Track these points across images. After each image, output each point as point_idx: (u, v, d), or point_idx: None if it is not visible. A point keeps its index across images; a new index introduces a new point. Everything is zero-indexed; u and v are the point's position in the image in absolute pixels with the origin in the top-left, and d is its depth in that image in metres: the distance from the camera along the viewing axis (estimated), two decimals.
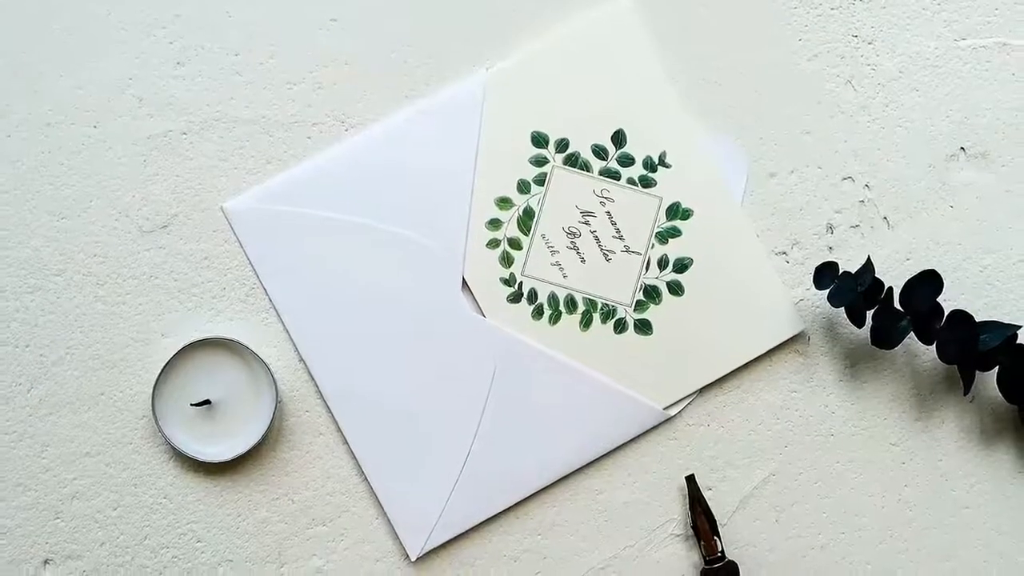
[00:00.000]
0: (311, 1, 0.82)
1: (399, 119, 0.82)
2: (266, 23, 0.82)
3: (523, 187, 0.82)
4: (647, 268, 0.82)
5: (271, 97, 0.82)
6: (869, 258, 0.81)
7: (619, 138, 0.82)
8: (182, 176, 0.82)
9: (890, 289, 0.80)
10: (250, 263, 0.82)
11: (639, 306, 0.82)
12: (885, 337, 0.79)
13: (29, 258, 0.81)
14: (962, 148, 0.84)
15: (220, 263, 0.82)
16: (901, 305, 0.80)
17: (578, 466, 0.82)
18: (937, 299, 0.79)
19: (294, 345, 0.82)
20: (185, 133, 0.82)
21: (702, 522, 0.80)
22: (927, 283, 0.80)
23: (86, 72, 0.82)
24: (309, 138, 0.82)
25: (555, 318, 0.82)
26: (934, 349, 0.80)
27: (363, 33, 0.82)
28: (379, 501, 0.81)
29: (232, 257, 0.82)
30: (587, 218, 0.82)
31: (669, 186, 0.82)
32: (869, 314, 0.80)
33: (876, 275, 0.80)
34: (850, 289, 0.79)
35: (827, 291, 0.80)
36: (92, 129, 0.82)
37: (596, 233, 0.82)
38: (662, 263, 0.82)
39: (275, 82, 0.82)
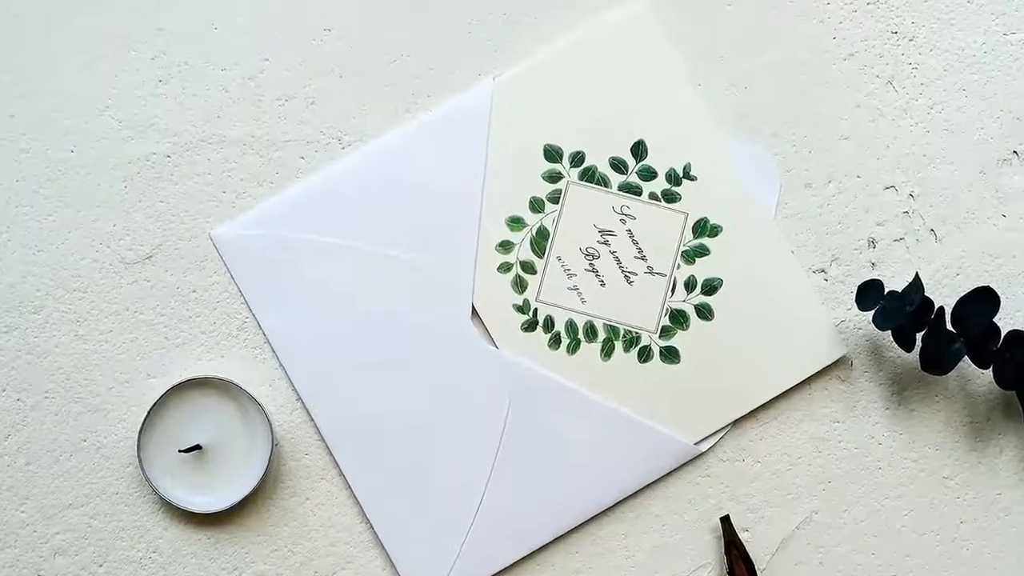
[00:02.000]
0: (303, 10, 0.81)
1: (399, 135, 0.80)
2: (254, 35, 0.81)
3: (536, 205, 0.80)
4: (673, 291, 0.80)
5: (261, 114, 0.80)
6: (917, 275, 0.78)
7: (639, 150, 0.81)
8: (167, 202, 0.80)
9: (941, 308, 0.77)
10: (242, 295, 0.80)
11: (665, 332, 0.80)
12: (937, 361, 0.76)
13: (4, 295, 0.79)
14: (1015, 152, 0.82)
15: (209, 295, 0.80)
16: (953, 326, 0.77)
17: (602, 509, 0.80)
18: (993, 318, 0.77)
19: (291, 383, 0.80)
20: (169, 156, 0.80)
21: (739, 567, 0.78)
22: (981, 301, 0.77)
23: (61, 93, 0.80)
24: (303, 158, 0.80)
25: (574, 347, 0.80)
26: (990, 373, 0.78)
27: (359, 43, 0.81)
28: (386, 551, 0.79)
29: (222, 289, 0.80)
30: (606, 238, 0.80)
31: (695, 201, 0.80)
32: (918, 336, 0.77)
33: (925, 293, 0.77)
34: (897, 310, 0.77)
35: (871, 312, 0.77)
36: (69, 154, 0.80)
37: (616, 254, 0.80)
38: (689, 285, 0.80)
39: (265, 98, 0.80)
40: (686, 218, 0.80)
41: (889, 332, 0.78)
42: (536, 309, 0.80)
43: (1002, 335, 0.77)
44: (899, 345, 0.77)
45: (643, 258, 0.80)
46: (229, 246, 0.80)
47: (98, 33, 0.80)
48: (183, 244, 0.80)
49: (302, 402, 0.80)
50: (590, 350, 0.80)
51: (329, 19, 0.81)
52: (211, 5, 0.81)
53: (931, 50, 0.82)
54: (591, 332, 0.80)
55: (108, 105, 0.80)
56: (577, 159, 0.80)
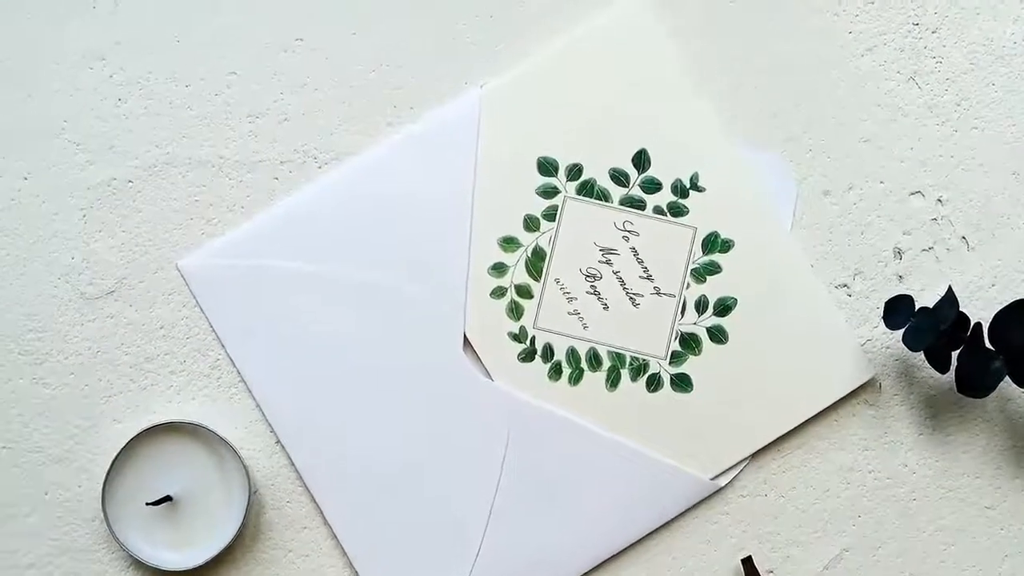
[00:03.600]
0: (272, 19, 0.80)
1: (380, 151, 0.79)
2: (220, 47, 0.79)
3: (531, 224, 0.79)
4: (683, 313, 0.79)
5: (230, 133, 0.79)
6: (950, 288, 0.76)
7: (641, 160, 0.79)
8: (129, 231, 0.79)
9: (978, 324, 0.75)
10: (213, 330, 0.78)
11: (676, 358, 0.79)
12: (974, 382, 0.75)
13: None
14: None
15: (178, 332, 0.78)
16: (991, 343, 0.75)
17: (612, 553, 0.78)
18: None
19: (269, 425, 0.78)
20: (131, 181, 0.79)
21: None
22: (1021, 314, 0.74)
23: (13, 114, 0.79)
24: (276, 179, 0.79)
25: (576, 377, 0.78)
26: None
27: (334, 52, 0.79)
28: None
29: (192, 324, 0.78)
30: (608, 257, 0.79)
31: (704, 214, 0.79)
32: (953, 355, 0.76)
33: (960, 308, 0.75)
34: (929, 327, 0.75)
35: (901, 330, 0.76)
36: (23, 181, 0.79)
37: (620, 274, 0.79)
38: (700, 306, 0.79)
39: (234, 115, 0.79)
40: (695, 233, 0.79)
41: (921, 352, 0.76)
42: (534, 337, 0.78)
43: None
44: (933, 366, 0.76)
45: (649, 278, 0.79)
46: (198, 277, 0.78)
47: (51, 48, 0.79)
48: (148, 276, 0.79)
49: (282, 445, 0.78)
50: (594, 380, 0.78)
51: (301, 27, 0.80)
52: (173, 16, 0.80)
53: (956, 42, 0.81)
54: (595, 360, 0.79)
55: (63, 127, 0.79)
56: (574, 172, 0.79)
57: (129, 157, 0.79)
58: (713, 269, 0.79)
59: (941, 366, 0.75)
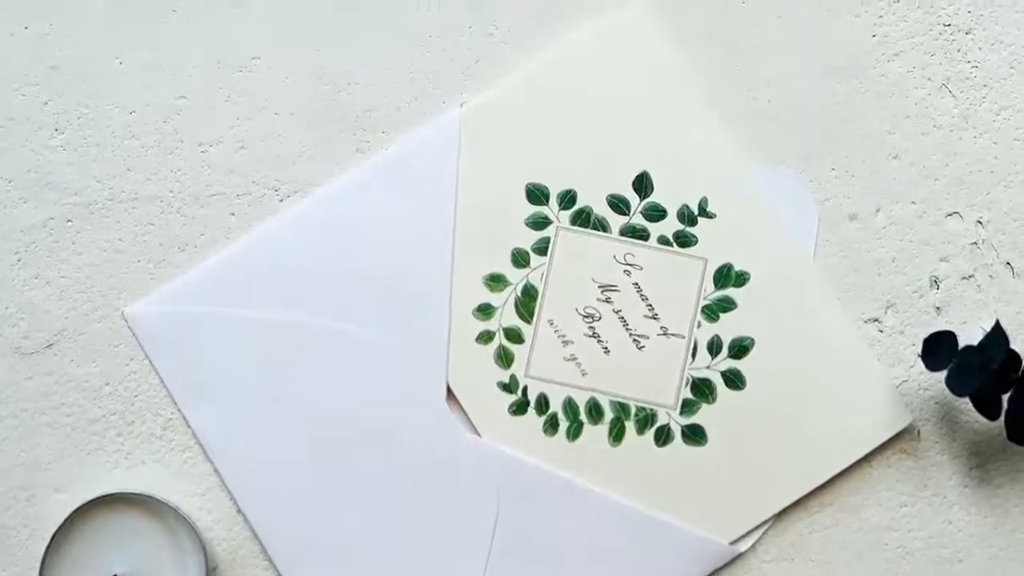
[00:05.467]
0: (225, 36, 0.77)
1: (349, 180, 0.77)
2: (168, 68, 0.77)
3: (519, 259, 0.77)
4: (694, 356, 0.77)
5: (180, 164, 0.77)
6: (998, 322, 0.72)
7: (643, 184, 0.78)
8: (69, 277, 0.77)
9: None
10: (164, 386, 0.76)
11: (687, 407, 0.77)
12: None
13: None
14: None
15: (125, 388, 0.76)
16: None
17: None
18: None
19: (229, 492, 0.75)
20: (70, 220, 0.77)
21: None
22: None
23: None
24: (233, 214, 0.77)
25: (575, 431, 0.76)
26: None
27: (295, 71, 0.78)
28: None
29: (140, 380, 0.76)
30: (608, 294, 0.77)
31: (715, 243, 0.77)
32: (1003, 398, 0.72)
33: (1010, 344, 0.72)
34: (976, 368, 0.71)
35: (944, 372, 0.72)
36: None
37: (622, 313, 0.77)
38: (713, 347, 0.77)
39: (184, 144, 0.77)
40: (705, 265, 0.78)
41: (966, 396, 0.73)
42: (526, 386, 0.77)
43: None
44: (980, 412, 0.73)
45: (655, 317, 0.77)
46: (147, 327, 0.76)
47: None
48: (91, 327, 0.77)
49: (244, 516, 0.75)
50: (595, 434, 0.77)
51: (257, 44, 0.78)
52: (114, 36, 0.78)
53: (992, 44, 0.79)
54: (595, 412, 0.77)
55: None
56: (567, 199, 0.78)
57: (68, 194, 0.77)
58: (727, 305, 0.77)
59: (990, 412, 0.72)
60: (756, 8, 0.78)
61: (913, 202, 0.78)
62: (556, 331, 0.76)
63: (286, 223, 0.76)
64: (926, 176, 0.78)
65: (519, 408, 0.76)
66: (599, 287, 0.77)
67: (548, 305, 0.76)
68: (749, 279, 0.77)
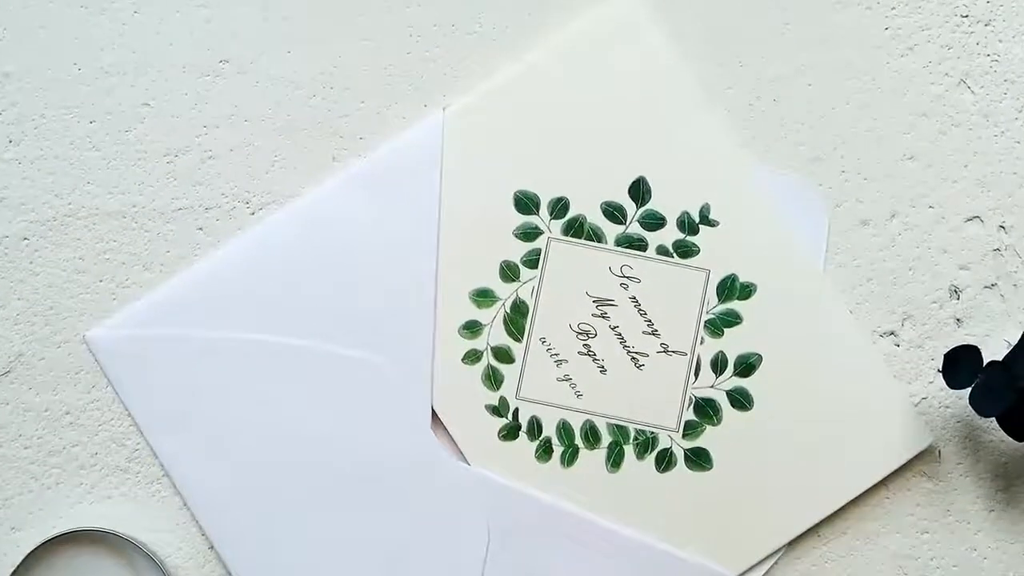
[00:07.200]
0: (191, 38, 0.76)
1: (325, 191, 0.76)
2: (130, 74, 0.76)
3: (509, 272, 0.76)
4: (697, 374, 0.76)
5: (145, 176, 0.76)
6: None
7: (639, 190, 0.76)
8: (26, 299, 0.76)
9: None
10: (130, 415, 0.75)
11: (690, 430, 0.75)
12: None
13: None
14: None
15: (88, 418, 0.75)
16: None
17: None
18: None
19: (200, 528, 0.74)
20: (26, 239, 0.76)
21: None
22: None
23: None
24: (201, 229, 0.76)
25: (570, 457, 0.75)
26: None
27: (266, 76, 0.76)
28: None
29: (103, 408, 0.75)
30: (604, 309, 0.76)
31: (718, 253, 0.76)
32: None
33: None
34: (1002, 385, 0.69)
35: (967, 390, 0.70)
36: None
37: (619, 329, 0.75)
38: (718, 365, 0.75)
39: (148, 155, 0.76)
40: (707, 276, 0.76)
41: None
42: (517, 409, 0.75)
43: None
44: (1008, 433, 0.70)
45: (654, 333, 0.76)
46: (111, 351, 0.75)
47: None
48: (50, 352, 0.75)
49: (216, 553, 0.74)
50: (592, 460, 0.75)
51: (225, 47, 0.76)
52: (71, 41, 0.76)
53: (1014, 35, 0.77)
54: (592, 436, 0.75)
55: None
56: (559, 208, 0.76)
57: (23, 211, 0.76)
58: (731, 320, 0.76)
59: (1019, 432, 0.69)
60: (761, 0, 0.76)
61: (930, 206, 0.76)
62: (548, 349, 0.75)
63: (258, 238, 0.75)
64: (944, 178, 0.76)
65: (510, 433, 0.74)
66: (594, 302, 0.75)
67: (540, 322, 0.75)
68: (755, 291, 0.76)
